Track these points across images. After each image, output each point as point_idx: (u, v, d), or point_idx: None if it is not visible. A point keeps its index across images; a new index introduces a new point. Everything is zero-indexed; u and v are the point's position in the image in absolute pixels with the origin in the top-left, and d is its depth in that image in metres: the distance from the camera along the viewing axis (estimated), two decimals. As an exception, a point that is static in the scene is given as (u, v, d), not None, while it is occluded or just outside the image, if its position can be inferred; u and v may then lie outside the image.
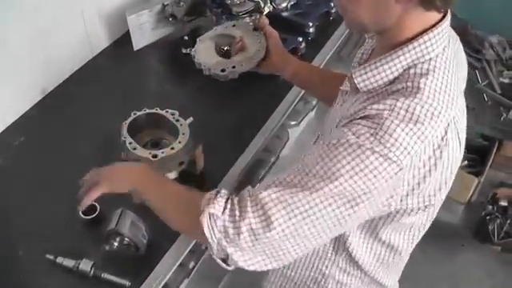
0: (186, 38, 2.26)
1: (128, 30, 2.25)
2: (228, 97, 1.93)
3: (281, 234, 1.07)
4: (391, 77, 1.09)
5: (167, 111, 1.65)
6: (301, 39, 2.14)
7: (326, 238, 1.11)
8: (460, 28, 2.68)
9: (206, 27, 2.31)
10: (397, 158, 1.01)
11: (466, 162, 2.82)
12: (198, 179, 1.73)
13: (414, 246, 1.38)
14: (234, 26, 1.83)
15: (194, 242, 1.62)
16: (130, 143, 1.54)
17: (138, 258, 1.53)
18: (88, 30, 2.18)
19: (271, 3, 2.24)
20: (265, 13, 2.15)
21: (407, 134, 1.01)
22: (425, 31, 1.07)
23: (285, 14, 2.28)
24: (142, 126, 1.68)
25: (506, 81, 2.48)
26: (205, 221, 1.12)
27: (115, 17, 2.29)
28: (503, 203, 2.66)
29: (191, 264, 1.91)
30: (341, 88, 1.29)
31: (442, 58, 1.08)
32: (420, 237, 1.34)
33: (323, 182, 1.03)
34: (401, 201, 1.10)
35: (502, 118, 2.31)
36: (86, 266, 1.48)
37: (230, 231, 1.10)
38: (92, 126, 1.88)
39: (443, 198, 1.19)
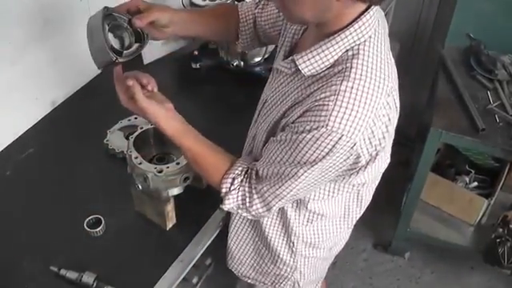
0: (195, 52, 2.27)
1: (138, 44, 2.26)
2: (235, 112, 1.93)
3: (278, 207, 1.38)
4: (332, 60, 1.20)
5: (174, 126, 1.64)
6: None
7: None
8: (473, 47, 2.70)
9: (215, 42, 2.33)
10: (349, 137, 1.14)
11: (475, 183, 2.80)
12: (204, 194, 1.73)
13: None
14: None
15: (198, 257, 1.62)
16: (136, 157, 1.54)
17: (141, 272, 1.52)
18: (99, 43, 2.19)
19: (242, 60, 2.19)
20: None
21: (355, 116, 1.13)
22: (355, 19, 1.19)
23: (257, 69, 2.19)
24: (148, 140, 1.68)
25: (519, 102, 2.45)
26: (223, 205, 1.42)
27: (126, 31, 2.30)
28: (514, 226, 2.62)
29: (195, 279, 1.91)
30: (275, 67, 1.39)
31: (374, 39, 1.21)
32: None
33: (299, 168, 1.24)
34: (360, 169, 1.29)
35: (513, 140, 2.28)
36: (89, 278, 1.48)
37: (243, 211, 1.41)
38: (100, 139, 1.88)
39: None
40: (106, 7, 1.41)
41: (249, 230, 1.67)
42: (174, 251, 1.58)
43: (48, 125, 2.02)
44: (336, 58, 1.20)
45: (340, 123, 1.13)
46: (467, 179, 2.79)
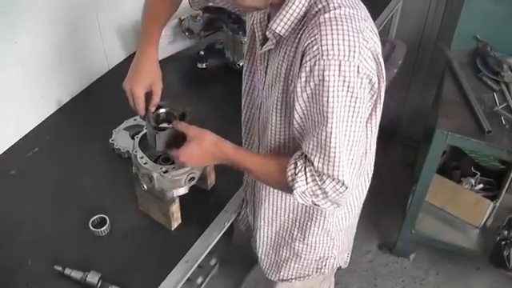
0: (201, 52, 2.27)
1: (144, 44, 2.26)
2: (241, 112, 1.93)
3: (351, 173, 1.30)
4: (301, 13, 1.25)
5: (180, 126, 1.64)
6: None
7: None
8: (479, 49, 2.69)
9: (222, 42, 2.33)
10: (348, 61, 1.16)
11: (481, 186, 2.79)
12: (209, 195, 1.73)
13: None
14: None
15: (203, 258, 1.61)
16: (141, 157, 1.54)
17: (146, 272, 1.52)
18: (104, 43, 2.20)
19: None
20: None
21: (343, 39, 1.16)
22: None
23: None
24: (154, 140, 1.68)
25: (525, 104, 2.44)
26: (297, 196, 1.32)
27: (132, 31, 2.30)
28: (519, 229, 2.61)
29: (199, 279, 1.90)
30: (260, 53, 1.42)
31: None
32: None
33: (326, 122, 1.21)
34: (379, 95, 1.30)
35: (519, 142, 2.27)
36: (93, 278, 1.48)
37: (319, 196, 1.30)
38: (105, 138, 1.88)
39: None
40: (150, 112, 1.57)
41: (280, 231, 1.65)
42: (179, 251, 1.58)
43: (53, 124, 2.02)
44: (304, 10, 1.25)
45: (333, 49, 1.16)
46: (473, 181, 2.78)
